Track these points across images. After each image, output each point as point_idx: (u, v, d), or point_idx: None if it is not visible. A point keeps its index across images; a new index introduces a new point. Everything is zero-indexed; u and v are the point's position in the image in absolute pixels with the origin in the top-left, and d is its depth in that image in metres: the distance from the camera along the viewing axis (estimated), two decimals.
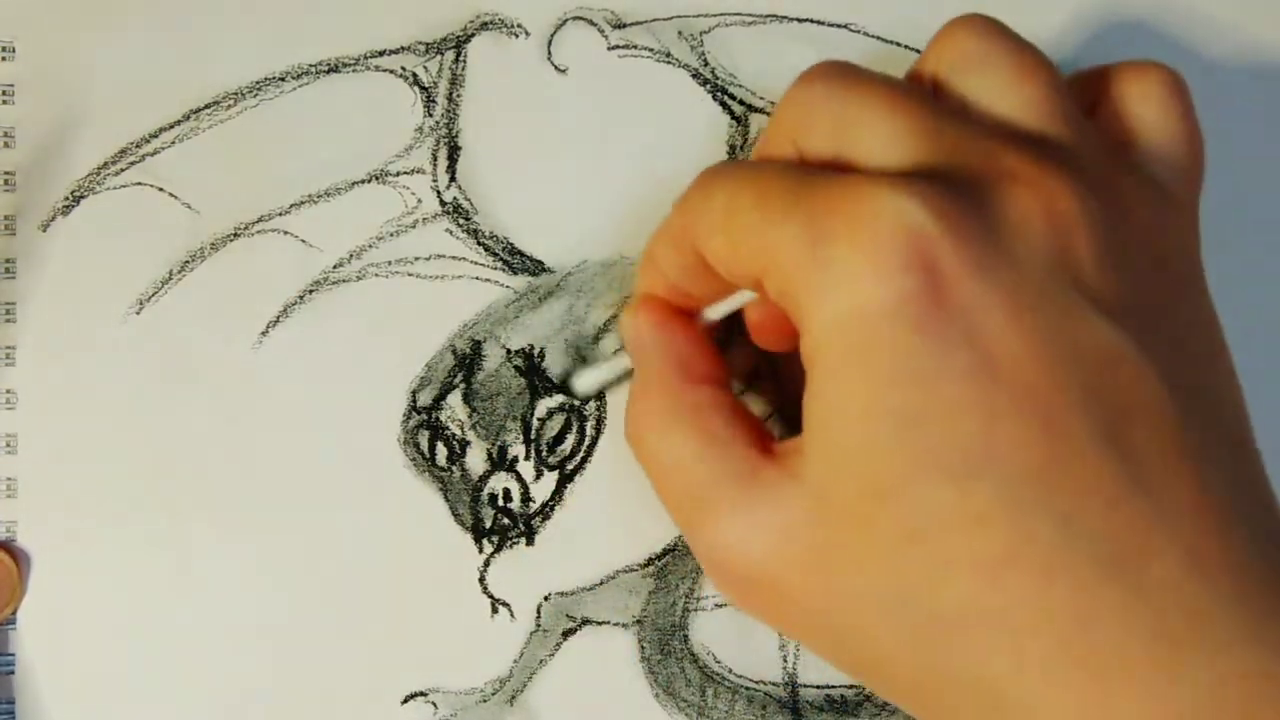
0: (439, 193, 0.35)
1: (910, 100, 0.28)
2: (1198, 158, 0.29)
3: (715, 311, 0.31)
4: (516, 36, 0.35)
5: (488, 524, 0.34)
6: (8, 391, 0.34)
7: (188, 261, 0.35)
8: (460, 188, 0.35)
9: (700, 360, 0.31)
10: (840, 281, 0.25)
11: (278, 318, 0.35)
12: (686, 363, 0.31)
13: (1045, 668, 0.25)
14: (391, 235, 0.35)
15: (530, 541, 0.34)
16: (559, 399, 0.34)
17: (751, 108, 0.35)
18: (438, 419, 0.34)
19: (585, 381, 0.34)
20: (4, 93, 0.35)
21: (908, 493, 0.25)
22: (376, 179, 0.35)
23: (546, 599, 0.34)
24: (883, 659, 0.27)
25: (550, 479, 0.34)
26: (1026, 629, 0.25)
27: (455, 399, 0.34)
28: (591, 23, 0.35)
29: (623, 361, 0.34)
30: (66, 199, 0.35)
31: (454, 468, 0.34)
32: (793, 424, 0.33)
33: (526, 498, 0.34)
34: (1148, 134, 0.29)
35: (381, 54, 0.35)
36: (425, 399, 0.34)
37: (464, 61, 0.35)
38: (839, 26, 0.35)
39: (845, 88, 0.28)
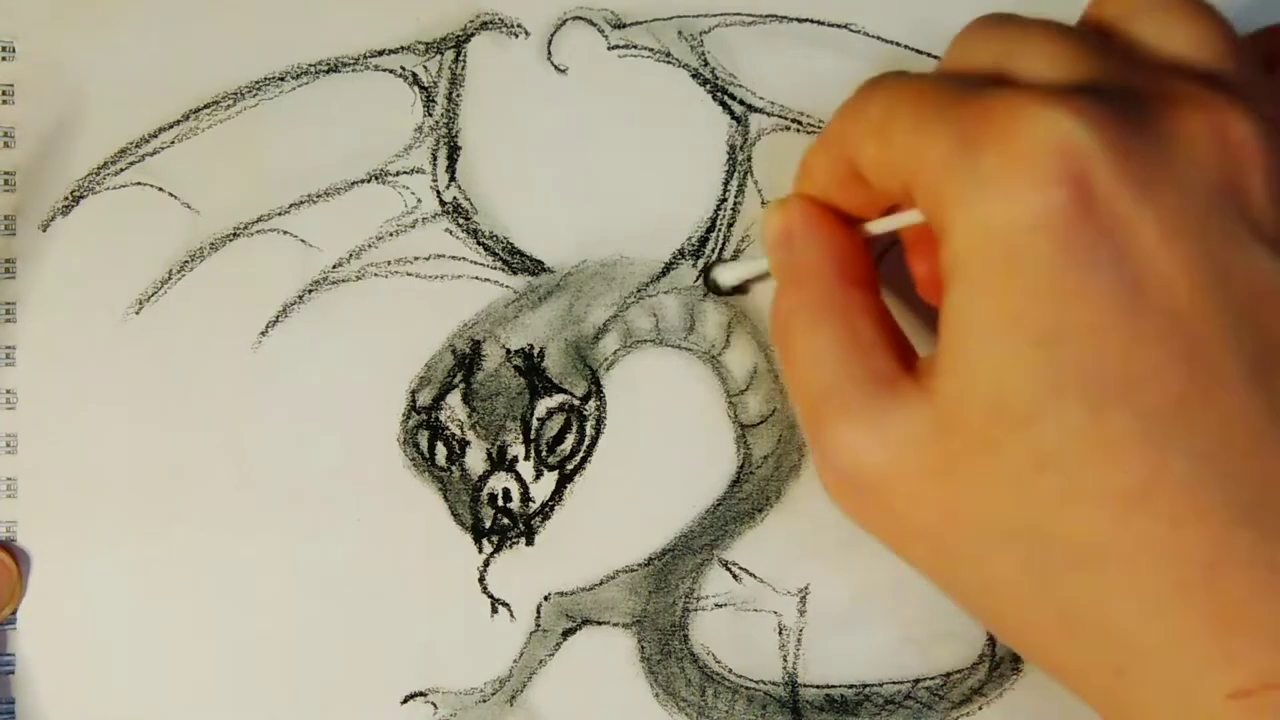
0: (439, 192, 0.35)
1: (1077, 31, 0.27)
2: None
3: (878, 226, 0.30)
4: (516, 36, 0.35)
5: (487, 524, 0.34)
6: (8, 391, 0.34)
7: (187, 261, 0.35)
8: (460, 187, 0.35)
9: (857, 262, 0.30)
10: (986, 191, 0.24)
11: (277, 317, 0.34)
12: (843, 262, 0.30)
13: (1166, 612, 0.24)
14: (391, 235, 0.35)
15: (530, 541, 0.34)
16: (559, 399, 0.34)
17: (751, 107, 0.35)
18: (437, 419, 0.34)
19: (728, 275, 0.34)
20: (4, 93, 0.35)
21: (1040, 417, 0.24)
22: (376, 179, 0.35)
23: (546, 599, 0.34)
24: (995, 585, 0.26)
25: (550, 479, 0.34)
26: (1150, 570, 0.24)
27: (455, 399, 0.34)
28: (591, 23, 0.35)
29: (761, 263, 0.33)
30: (66, 199, 0.35)
31: (454, 468, 0.34)
32: None
33: (526, 498, 0.34)
34: None
35: (381, 54, 0.35)
36: (425, 399, 0.34)
37: (464, 61, 0.35)
38: (839, 26, 0.35)
39: (1011, 23, 0.27)
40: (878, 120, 0.27)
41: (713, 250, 0.35)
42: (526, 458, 0.34)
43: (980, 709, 0.34)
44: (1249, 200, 0.25)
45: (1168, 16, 0.27)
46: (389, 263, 0.35)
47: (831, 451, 0.28)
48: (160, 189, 0.35)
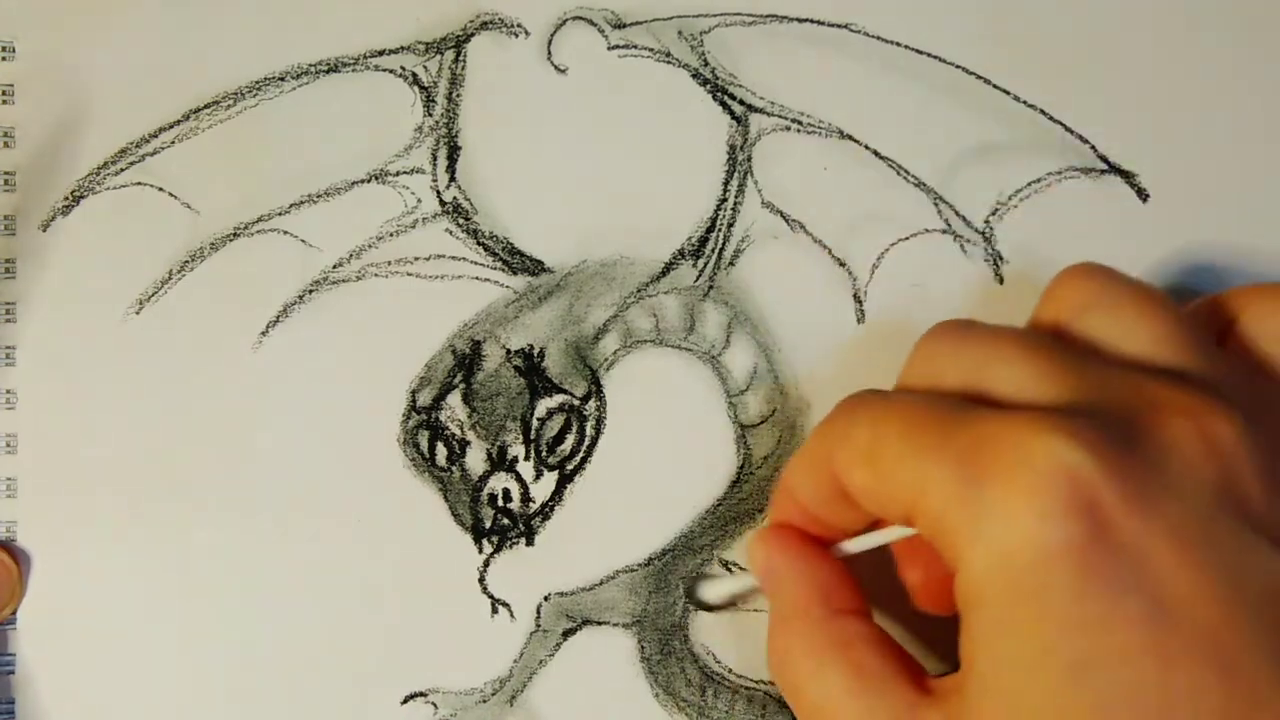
0: (439, 192, 0.35)
1: (1042, 341, 0.27)
2: None
3: (857, 544, 0.30)
4: (516, 36, 0.35)
5: (487, 524, 0.34)
6: (8, 391, 0.34)
7: (187, 261, 0.35)
8: (460, 187, 0.35)
9: (842, 590, 0.29)
10: (999, 524, 0.24)
11: (278, 317, 0.34)
12: (829, 593, 0.29)
13: None
14: (391, 235, 0.35)
15: (530, 542, 0.34)
16: (559, 399, 0.34)
17: (751, 107, 0.35)
18: (437, 419, 0.34)
19: (714, 591, 0.34)
20: (4, 93, 0.35)
21: None
22: (376, 179, 0.35)
23: (546, 599, 0.34)
24: None
25: (550, 479, 0.34)
26: None
27: (455, 399, 0.34)
28: (591, 23, 0.35)
29: (749, 579, 0.33)
30: (67, 199, 0.35)
31: (454, 468, 0.34)
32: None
33: (526, 498, 0.34)
34: None
35: (381, 54, 0.35)
36: (425, 399, 0.34)
37: (464, 61, 0.35)
38: (839, 26, 0.35)
39: (974, 337, 0.28)
40: (865, 447, 0.27)
41: (713, 250, 0.35)
42: (526, 458, 0.34)
43: None
44: (1245, 497, 0.25)
45: (1122, 316, 0.28)
46: (389, 263, 0.35)
47: None
48: (160, 189, 0.35)
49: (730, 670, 0.34)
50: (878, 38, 0.35)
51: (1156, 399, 0.26)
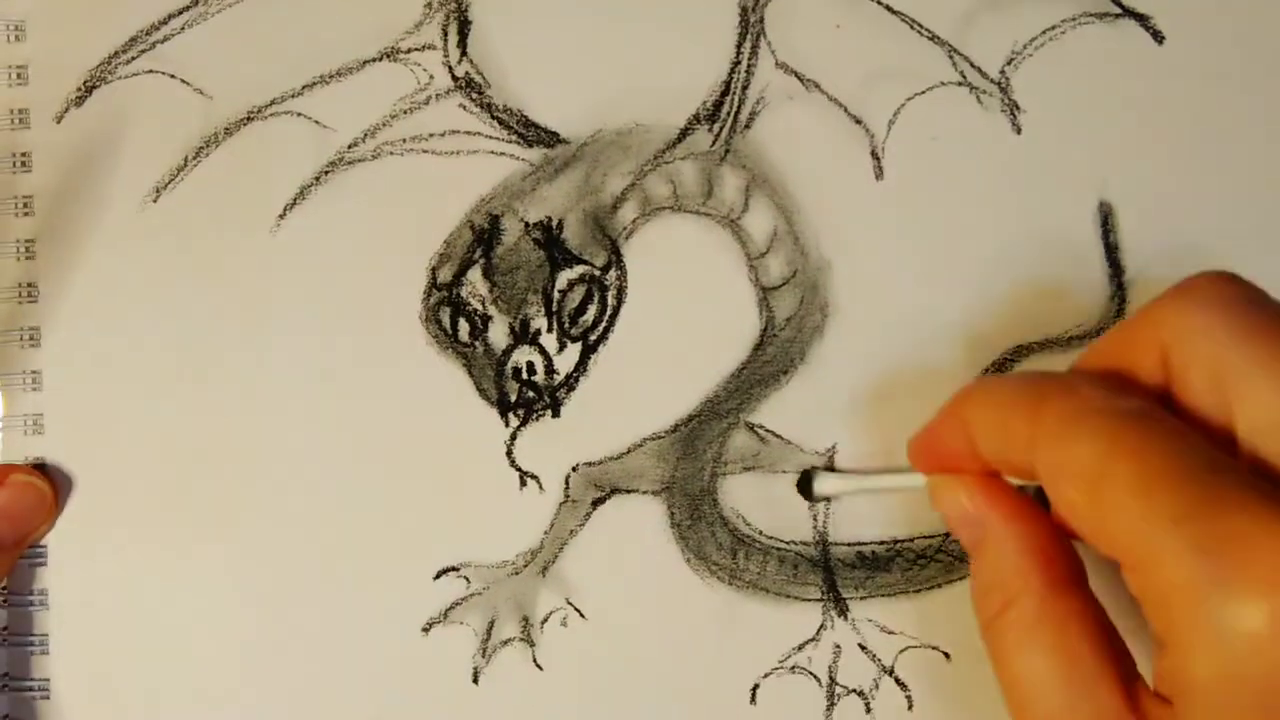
0: (451, 68, 0.35)
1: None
2: None
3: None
4: None
5: (513, 398, 0.34)
6: (29, 285, 0.34)
7: (202, 148, 0.34)
8: (472, 62, 0.35)
9: (1063, 559, 0.27)
10: (1242, 645, 0.22)
11: (295, 200, 0.34)
12: (1049, 562, 0.27)
13: None
14: (405, 113, 0.35)
15: (556, 413, 0.34)
16: (579, 270, 0.34)
17: None
18: (458, 295, 0.34)
19: (828, 485, 0.34)
20: None
21: None
22: (388, 56, 0.35)
23: (574, 469, 0.34)
24: None
25: (573, 350, 0.34)
26: None
27: (475, 274, 0.34)
28: None
29: (876, 482, 0.33)
30: (79, 90, 0.35)
31: (477, 343, 0.34)
32: None
33: (550, 370, 0.34)
34: None
35: None
36: (445, 275, 0.34)
37: None
38: None
39: (1229, 325, 0.25)
40: (1087, 473, 0.25)
41: (728, 114, 0.34)
42: (549, 330, 0.34)
43: None
44: None
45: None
46: (404, 140, 0.35)
47: None
48: (172, 76, 0.35)
49: (761, 532, 0.34)
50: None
51: None
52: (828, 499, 0.34)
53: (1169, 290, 0.26)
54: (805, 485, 0.34)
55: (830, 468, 0.34)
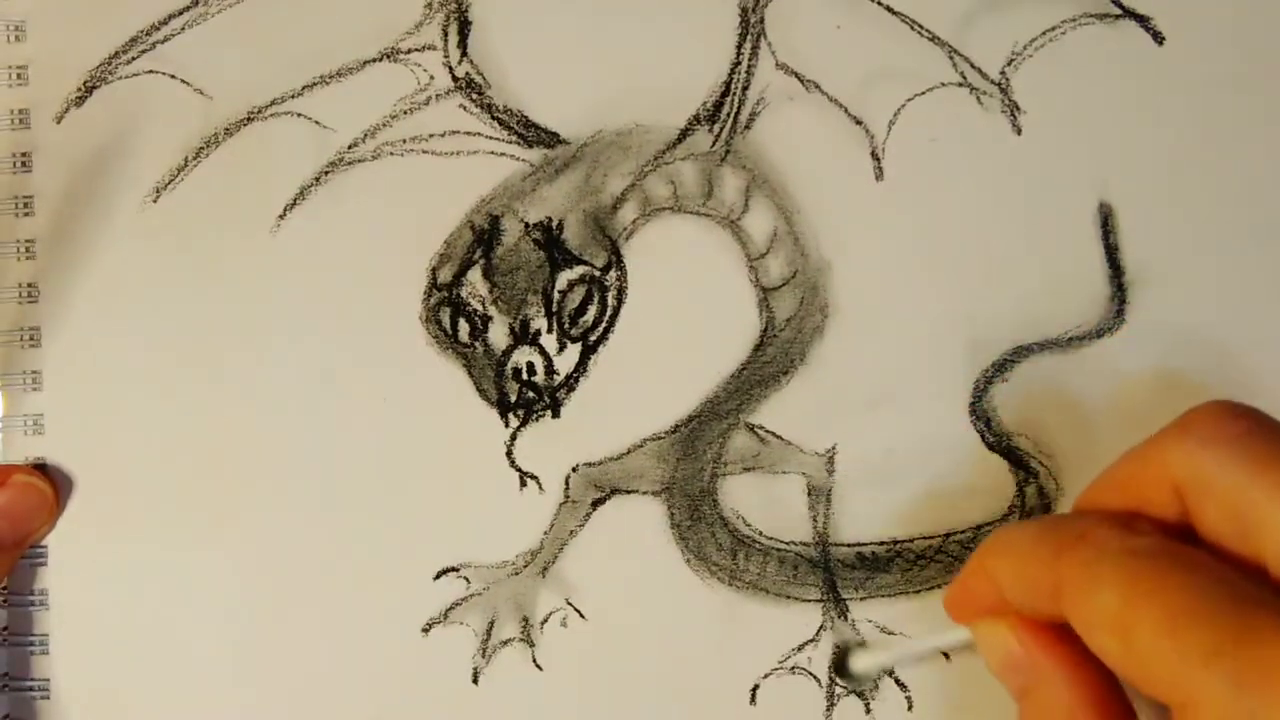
0: (451, 68, 0.35)
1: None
2: None
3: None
4: None
5: (513, 398, 0.34)
6: (29, 285, 0.34)
7: (202, 148, 0.34)
8: (472, 62, 0.35)
9: (1115, 704, 0.27)
10: None
11: (295, 200, 0.34)
12: (1104, 709, 0.26)
13: None
14: (405, 113, 0.35)
15: (556, 414, 0.34)
16: (579, 270, 0.34)
17: None
18: (459, 295, 0.34)
19: (864, 663, 0.33)
20: None
21: None
22: (388, 57, 0.35)
23: (574, 470, 0.34)
24: None
25: (573, 351, 0.34)
26: None
27: (475, 275, 0.34)
28: None
29: (915, 646, 0.33)
30: (79, 90, 0.35)
31: (477, 343, 0.34)
32: None
33: (550, 370, 0.34)
34: None
35: None
36: (445, 276, 0.34)
37: None
38: None
39: (1244, 460, 0.24)
40: (1114, 617, 0.24)
41: (728, 114, 0.34)
42: (549, 331, 0.34)
43: None
44: None
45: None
46: (404, 141, 0.35)
47: None
48: (172, 76, 0.35)
49: (761, 533, 0.34)
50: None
51: None
52: (873, 680, 0.34)
53: (1171, 427, 0.26)
54: (840, 664, 0.34)
55: (862, 643, 0.34)
